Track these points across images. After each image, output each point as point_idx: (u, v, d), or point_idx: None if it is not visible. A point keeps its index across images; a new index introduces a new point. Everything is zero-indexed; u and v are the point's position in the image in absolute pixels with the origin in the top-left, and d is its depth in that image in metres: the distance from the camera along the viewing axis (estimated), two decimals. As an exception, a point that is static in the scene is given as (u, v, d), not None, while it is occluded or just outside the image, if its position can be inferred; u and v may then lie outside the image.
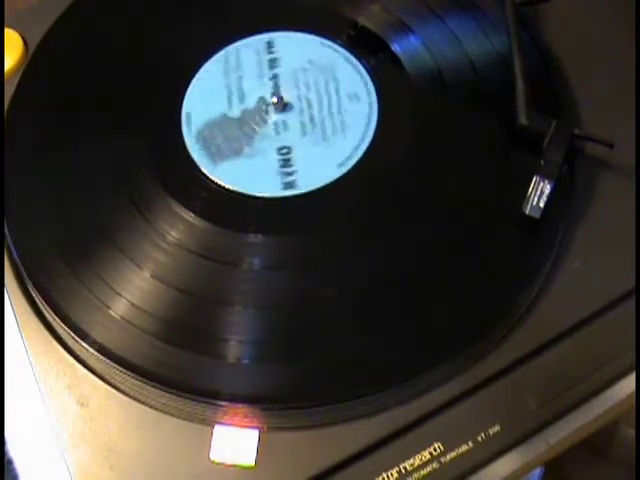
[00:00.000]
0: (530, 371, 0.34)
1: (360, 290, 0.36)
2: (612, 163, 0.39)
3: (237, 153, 0.40)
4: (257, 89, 0.42)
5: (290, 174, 0.39)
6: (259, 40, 0.43)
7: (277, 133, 0.40)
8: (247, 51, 0.43)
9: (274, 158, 0.39)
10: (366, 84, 0.41)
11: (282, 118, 0.41)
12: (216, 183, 0.39)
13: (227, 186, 0.39)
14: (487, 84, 0.41)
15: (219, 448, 0.33)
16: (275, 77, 0.42)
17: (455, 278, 0.36)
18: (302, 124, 0.40)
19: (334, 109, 0.41)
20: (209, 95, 0.42)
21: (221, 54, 0.43)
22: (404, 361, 0.34)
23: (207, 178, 0.39)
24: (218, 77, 0.42)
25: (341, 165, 0.39)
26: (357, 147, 0.39)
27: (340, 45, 0.43)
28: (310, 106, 0.41)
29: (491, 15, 0.43)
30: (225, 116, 0.41)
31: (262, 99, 0.41)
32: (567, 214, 0.37)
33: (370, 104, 0.41)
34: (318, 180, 0.38)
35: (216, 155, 0.40)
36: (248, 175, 0.39)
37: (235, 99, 0.42)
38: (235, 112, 0.41)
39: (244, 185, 0.39)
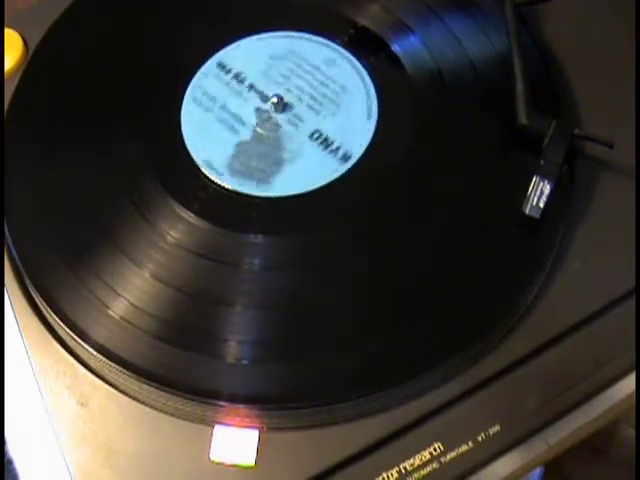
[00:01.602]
0: (530, 371, 0.34)
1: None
2: (612, 163, 0.39)
3: (280, 164, 0.39)
4: (246, 106, 0.41)
5: (337, 149, 0.39)
6: (210, 66, 0.43)
7: (296, 127, 0.40)
8: (207, 81, 0.42)
9: (313, 145, 0.39)
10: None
11: (287, 117, 0.41)
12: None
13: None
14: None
15: (219, 448, 0.33)
16: (251, 87, 0.42)
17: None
18: (309, 107, 0.41)
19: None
20: (209, 136, 0.40)
21: (188, 96, 0.42)
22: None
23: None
24: (204, 117, 0.41)
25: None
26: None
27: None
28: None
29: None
30: (241, 143, 0.40)
31: (259, 110, 0.41)
32: (567, 214, 0.37)
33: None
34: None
35: (263, 178, 0.39)
36: (304, 174, 0.39)
37: (237, 125, 0.41)
38: (247, 134, 0.41)
39: (307, 184, 0.38)
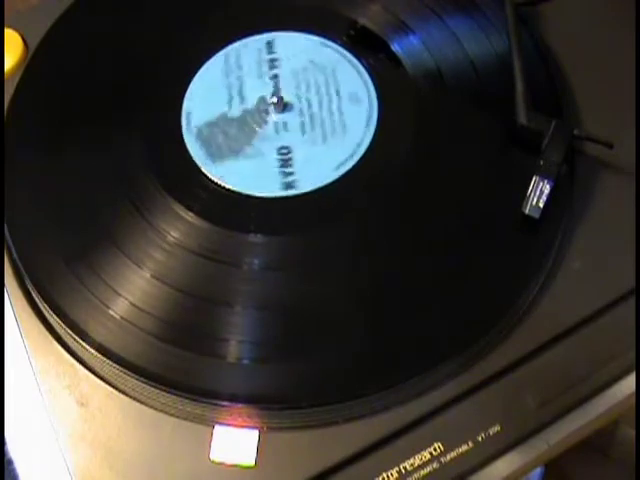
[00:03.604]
0: (530, 371, 0.34)
1: (360, 290, 0.36)
2: (612, 163, 0.39)
3: (237, 153, 0.40)
4: (257, 89, 0.42)
5: (290, 174, 0.39)
6: (259, 40, 0.43)
7: (277, 133, 0.40)
8: (247, 51, 0.43)
9: (274, 158, 0.40)
10: (366, 84, 0.41)
11: (282, 118, 0.41)
12: (216, 183, 0.39)
13: (227, 186, 0.39)
14: (487, 84, 0.41)
15: (219, 448, 0.33)
16: (275, 77, 0.42)
17: (455, 278, 0.36)
18: (302, 124, 0.40)
19: (334, 110, 0.41)
20: (210, 95, 0.42)
21: (221, 54, 0.43)
22: (404, 361, 0.34)
23: (207, 178, 0.39)
24: (218, 77, 0.42)
25: (341, 165, 0.39)
26: (357, 147, 0.39)
27: (340, 45, 0.43)
28: (310, 106, 0.41)
29: (491, 15, 0.43)
30: (225, 116, 0.41)
31: (262, 99, 0.41)
32: (567, 214, 0.37)
33: (370, 104, 0.41)
34: (318, 180, 0.38)
35: (216, 154, 0.40)
36: (248, 175, 0.39)
37: (236, 99, 0.42)
38: (235, 112, 0.41)
39: (244, 185, 0.39)
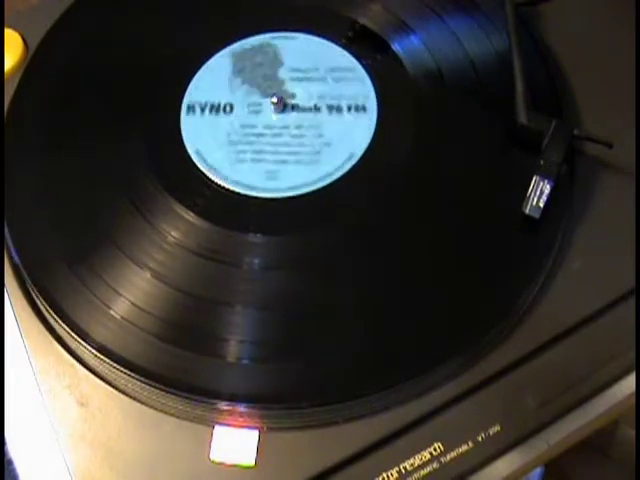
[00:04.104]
0: (530, 371, 0.34)
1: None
2: (612, 163, 0.39)
3: (240, 76, 0.42)
4: (302, 86, 0.42)
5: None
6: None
7: (248, 106, 0.41)
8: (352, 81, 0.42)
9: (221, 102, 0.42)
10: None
11: (264, 109, 0.41)
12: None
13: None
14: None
15: (219, 448, 0.33)
16: (321, 98, 0.42)
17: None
18: (260, 134, 0.40)
19: (283, 158, 0.40)
20: (306, 52, 0.43)
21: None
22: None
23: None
24: (321, 57, 0.43)
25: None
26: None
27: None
28: (285, 136, 0.40)
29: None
30: (280, 63, 0.43)
31: (287, 89, 0.42)
32: (567, 214, 0.37)
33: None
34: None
35: (235, 63, 0.43)
36: (208, 85, 0.42)
37: (298, 73, 0.42)
38: (279, 73, 0.43)
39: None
